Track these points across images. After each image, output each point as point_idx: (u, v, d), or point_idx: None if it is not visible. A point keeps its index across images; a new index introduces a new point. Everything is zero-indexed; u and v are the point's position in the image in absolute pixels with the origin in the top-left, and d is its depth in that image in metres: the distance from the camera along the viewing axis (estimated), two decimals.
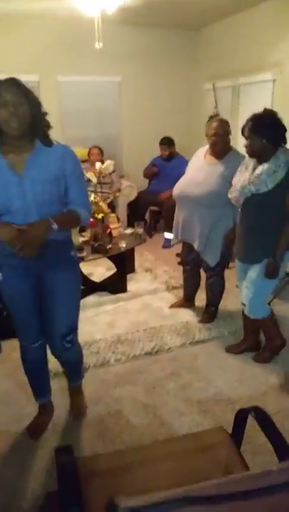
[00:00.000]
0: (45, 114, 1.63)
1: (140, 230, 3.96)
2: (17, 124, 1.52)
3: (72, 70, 5.12)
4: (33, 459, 1.90)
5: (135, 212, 5.17)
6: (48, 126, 1.65)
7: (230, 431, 1.44)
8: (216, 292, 3.05)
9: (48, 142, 1.65)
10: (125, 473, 1.28)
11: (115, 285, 3.66)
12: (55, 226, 1.60)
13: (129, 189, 5.25)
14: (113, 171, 4.57)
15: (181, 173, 3.02)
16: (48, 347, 1.97)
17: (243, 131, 2.22)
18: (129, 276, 3.83)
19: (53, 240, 1.65)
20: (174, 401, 2.28)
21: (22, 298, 1.79)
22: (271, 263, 2.26)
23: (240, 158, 2.60)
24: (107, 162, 3.54)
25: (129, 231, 3.94)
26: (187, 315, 3.22)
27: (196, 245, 2.86)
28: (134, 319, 3.17)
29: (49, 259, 1.70)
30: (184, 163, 3.37)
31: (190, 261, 3.09)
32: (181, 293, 3.60)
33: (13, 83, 1.54)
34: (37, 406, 2.11)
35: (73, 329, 1.90)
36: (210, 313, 3.13)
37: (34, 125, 1.58)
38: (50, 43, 4.92)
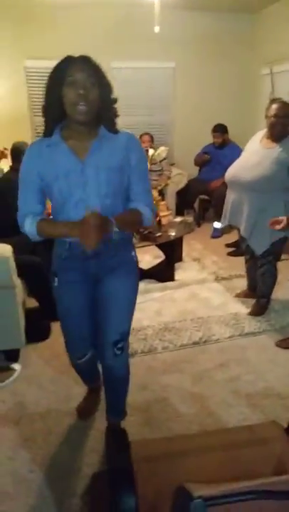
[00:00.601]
0: (115, 100, 1.48)
1: (190, 219, 3.90)
2: (85, 108, 1.37)
3: (127, 56, 5.08)
4: (82, 439, 1.93)
5: (184, 200, 5.10)
6: (115, 114, 1.50)
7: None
8: (267, 282, 2.93)
9: (114, 129, 1.50)
10: (176, 460, 1.26)
11: (163, 273, 3.64)
12: (115, 228, 1.42)
13: (179, 177, 5.18)
14: (164, 159, 4.52)
15: (233, 161, 2.93)
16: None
17: None
18: (176, 265, 3.79)
19: (114, 240, 1.48)
20: (222, 392, 2.24)
21: (77, 305, 1.65)
22: None
23: None
24: (161, 148, 3.49)
25: (178, 219, 3.89)
26: (237, 306, 3.15)
27: (242, 230, 2.80)
28: (182, 308, 3.14)
29: (109, 260, 1.56)
30: (236, 151, 3.27)
31: (246, 248, 3.00)
32: (230, 284, 3.53)
33: (87, 62, 1.38)
34: (85, 387, 2.14)
35: (126, 336, 1.69)
36: (261, 306, 3.02)
37: (102, 111, 1.44)
38: (106, 29, 4.92)
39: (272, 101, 2.72)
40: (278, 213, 2.61)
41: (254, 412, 2.09)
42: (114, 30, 4.93)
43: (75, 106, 1.36)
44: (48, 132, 1.46)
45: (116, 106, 1.49)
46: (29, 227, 1.51)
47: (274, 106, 2.62)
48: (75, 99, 1.35)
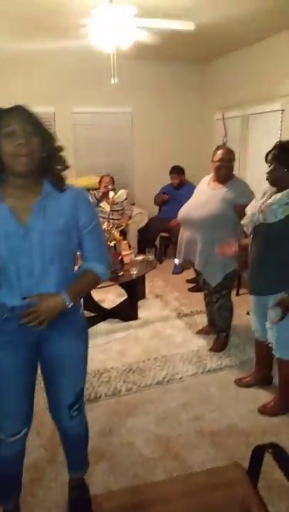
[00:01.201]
0: (60, 149, 1.36)
1: (151, 257, 3.99)
2: (26, 159, 1.25)
3: (87, 102, 5.29)
4: (46, 492, 1.87)
5: (145, 238, 5.22)
6: (63, 164, 1.37)
7: (244, 464, 1.42)
8: (224, 316, 3.05)
9: (60, 186, 1.37)
10: None
11: (126, 312, 3.67)
12: (69, 303, 1.37)
13: (140, 216, 5.32)
14: (125, 199, 4.64)
15: None
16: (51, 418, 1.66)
17: (266, 158, 2.20)
18: (139, 302, 3.83)
19: None
20: (187, 433, 2.25)
21: (14, 373, 1.44)
22: (286, 298, 2.11)
23: (241, 183, 2.87)
24: (121, 191, 3.61)
25: (140, 257, 3.97)
26: (198, 343, 3.21)
27: (196, 263, 2.93)
28: (145, 347, 3.16)
29: (55, 320, 1.40)
30: (193, 192, 3.44)
31: (203, 283, 3.10)
32: (192, 320, 3.60)
33: (23, 111, 1.28)
34: None
35: (81, 396, 1.60)
36: (221, 341, 3.11)
37: (45, 162, 1.32)
38: (66, 77, 5.12)
39: (218, 147, 2.95)
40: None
41: (218, 451, 2.11)
42: (75, 78, 5.15)
43: (15, 157, 1.25)
44: None
45: (63, 155, 1.37)
46: None
47: (219, 151, 2.87)
48: (15, 149, 1.24)
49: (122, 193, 3.57)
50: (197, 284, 4.16)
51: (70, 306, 1.38)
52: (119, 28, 3.04)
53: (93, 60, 4.33)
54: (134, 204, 5.49)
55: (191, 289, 4.36)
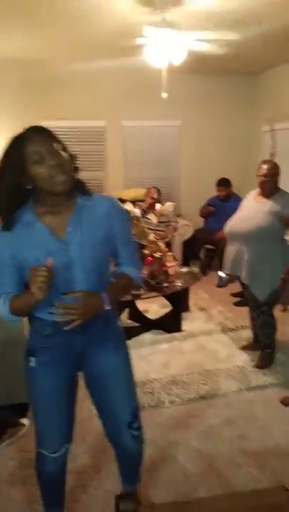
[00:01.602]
0: (75, 157, 1.34)
1: (196, 269, 3.99)
2: (64, 177, 1.25)
3: (136, 115, 5.41)
4: (90, 500, 1.91)
5: (190, 250, 5.21)
6: (76, 169, 1.35)
7: None
8: (267, 332, 2.99)
9: (87, 192, 1.38)
10: None
11: (170, 324, 3.68)
12: (107, 305, 1.36)
13: (186, 228, 5.33)
14: (172, 211, 4.69)
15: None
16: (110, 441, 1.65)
17: None
18: (183, 315, 3.83)
19: (101, 313, 1.39)
20: (230, 451, 2.21)
21: (56, 392, 1.44)
22: None
23: (287, 195, 2.85)
24: (167, 204, 3.65)
25: (184, 269, 3.98)
26: (243, 358, 3.15)
27: (243, 277, 2.90)
28: (189, 360, 3.15)
29: (97, 333, 1.43)
30: (239, 204, 3.42)
31: (250, 297, 3.06)
32: (236, 335, 3.55)
33: (40, 131, 1.27)
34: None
35: (138, 413, 1.56)
36: (265, 357, 3.03)
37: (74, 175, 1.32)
38: (116, 92, 5.27)
39: (264, 161, 2.93)
40: (276, 260, 2.80)
41: (263, 472, 2.06)
42: (125, 93, 5.29)
43: (51, 179, 1.24)
44: (6, 224, 1.31)
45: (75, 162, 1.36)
46: (1, 306, 1.35)
47: (264, 166, 2.86)
48: (50, 172, 1.23)
49: (168, 205, 3.61)
50: (243, 298, 4.10)
51: (106, 308, 1.36)
52: (172, 44, 3.11)
53: (143, 75, 4.44)
54: (179, 216, 5.50)
55: (236, 303, 4.29)
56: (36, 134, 1.25)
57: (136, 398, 1.57)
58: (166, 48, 3.19)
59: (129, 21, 3.32)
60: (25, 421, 2.35)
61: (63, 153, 1.27)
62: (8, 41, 3.88)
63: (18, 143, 1.25)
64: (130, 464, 1.73)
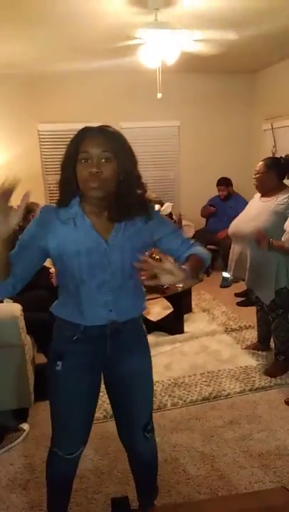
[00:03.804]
0: (139, 176, 1.33)
1: None
2: (97, 187, 1.23)
3: (134, 117, 5.41)
4: (90, 505, 1.89)
5: None
6: (142, 188, 1.34)
7: None
8: (281, 337, 2.83)
9: (145, 211, 1.34)
10: None
11: (172, 325, 3.65)
12: (187, 277, 1.23)
13: (187, 228, 5.30)
14: (170, 213, 4.67)
15: (238, 212, 3.06)
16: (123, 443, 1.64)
17: None
18: (186, 316, 3.80)
19: (132, 319, 1.42)
20: (233, 452, 2.18)
21: (81, 393, 1.44)
22: None
23: None
24: (166, 204, 3.64)
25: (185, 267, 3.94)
26: (247, 359, 3.12)
27: (246, 282, 2.83)
28: (192, 362, 3.12)
29: (126, 341, 1.43)
30: (241, 202, 3.40)
31: (256, 299, 3.00)
32: (240, 336, 3.52)
33: (104, 133, 1.25)
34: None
35: (152, 416, 1.59)
36: (278, 365, 2.89)
37: (121, 187, 1.27)
38: (113, 93, 5.27)
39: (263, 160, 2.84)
40: (281, 262, 2.66)
41: (266, 473, 2.02)
42: (122, 94, 5.28)
43: (86, 183, 1.23)
44: (63, 202, 1.32)
45: (140, 178, 1.33)
46: None
47: (258, 164, 2.79)
48: (87, 177, 1.22)
49: (167, 206, 3.59)
50: (247, 299, 4.06)
51: (185, 281, 1.27)
52: (164, 44, 3.10)
53: (140, 75, 4.43)
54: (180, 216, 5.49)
55: (239, 303, 4.26)
56: (96, 135, 1.24)
57: (152, 402, 1.59)
58: (159, 49, 3.17)
59: (122, 22, 3.32)
60: (25, 426, 2.33)
61: (111, 164, 1.23)
62: (3, 44, 3.89)
63: (78, 136, 1.26)
64: (147, 474, 1.71)
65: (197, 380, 2.86)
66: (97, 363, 1.45)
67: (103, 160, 1.22)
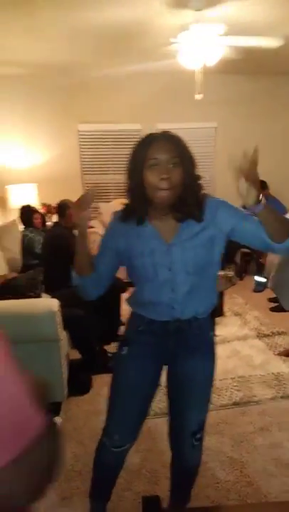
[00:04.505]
0: (198, 177, 1.35)
1: (231, 273, 3.92)
2: (167, 193, 1.26)
3: (171, 118, 5.42)
4: (119, 501, 1.92)
5: (226, 253, 5.12)
6: (200, 189, 1.36)
7: None
8: None
9: (199, 215, 1.33)
10: None
11: None
12: (259, 208, 1.23)
13: None
14: None
15: None
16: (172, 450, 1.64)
17: None
18: (217, 319, 3.78)
19: (197, 319, 1.41)
20: (263, 459, 2.16)
21: (140, 380, 1.47)
22: None
23: None
24: None
25: (220, 273, 3.92)
26: (279, 365, 3.07)
27: (269, 283, 2.76)
28: (223, 366, 3.10)
29: (190, 339, 1.42)
30: (277, 205, 3.34)
31: None
32: (272, 342, 3.46)
33: (169, 140, 1.28)
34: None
35: (204, 425, 1.57)
36: None
37: (186, 190, 1.30)
38: (151, 95, 5.31)
39: None
40: None
41: None
42: (159, 95, 5.32)
43: (156, 190, 1.26)
44: (132, 208, 1.36)
45: (200, 181, 1.36)
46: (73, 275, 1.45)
47: None
48: (157, 183, 1.25)
49: None
50: (280, 304, 3.99)
51: (259, 210, 1.24)
52: (206, 46, 3.09)
53: (179, 76, 4.44)
54: None
55: (273, 309, 4.18)
56: (163, 141, 1.27)
57: (207, 410, 1.57)
58: (200, 50, 3.17)
59: (164, 25, 3.34)
60: (57, 420, 2.39)
61: (179, 170, 1.26)
62: (46, 47, 4.00)
63: (144, 143, 1.29)
64: (185, 481, 1.71)
65: (228, 384, 2.84)
66: (159, 356, 1.48)
67: (171, 165, 1.25)
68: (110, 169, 5.54)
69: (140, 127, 5.33)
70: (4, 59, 4.43)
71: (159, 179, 1.24)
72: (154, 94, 5.31)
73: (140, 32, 3.50)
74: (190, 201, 1.32)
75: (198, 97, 3.58)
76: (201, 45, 3.08)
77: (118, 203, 5.07)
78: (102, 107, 5.23)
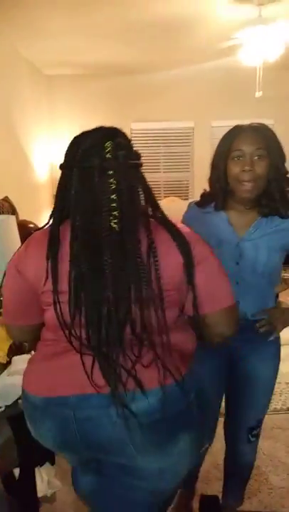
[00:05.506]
0: (287, 172, 1.29)
1: (287, 275, 3.80)
2: (250, 185, 1.22)
3: (226, 115, 5.32)
4: None
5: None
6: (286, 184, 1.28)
7: None
8: None
9: (284, 211, 1.27)
10: None
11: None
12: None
13: None
14: None
15: None
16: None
17: None
18: None
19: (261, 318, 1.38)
20: None
21: (208, 374, 1.33)
22: None
23: None
24: None
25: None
26: None
27: None
28: None
29: (252, 337, 1.36)
30: None
31: None
32: None
33: (257, 132, 1.24)
34: None
35: (261, 423, 1.55)
36: None
37: (271, 184, 1.25)
38: (206, 92, 5.25)
39: None
40: None
41: None
42: (216, 93, 5.24)
43: (239, 183, 1.24)
44: (213, 198, 1.34)
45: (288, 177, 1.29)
46: None
47: None
48: (240, 175, 1.22)
49: None
50: None
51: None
52: (268, 41, 3.01)
53: (235, 74, 4.36)
54: None
55: None
56: (250, 133, 1.24)
57: (267, 410, 1.55)
58: (261, 45, 3.09)
59: (225, 22, 3.28)
60: None
61: (264, 162, 1.22)
62: (103, 47, 4.07)
63: (231, 134, 1.28)
64: (239, 477, 1.69)
65: (282, 388, 2.76)
66: (223, 349, 1.41)
67: (256, 157, 1.22)
68: (161, 167, 5.54)
69: (193, 125, 5.29)
70: (63, 60, 4.57)
71: (241, 171, 1.21)
72: (210, 91, 5.24)
73: (198, 28, 3.46)
74: (276, 197, 1.26)
75: (258, 94, 3.48)
76: (263, 41, 3.00)
77: (169, 201, 5.09)
78: (155, 105, 5.23)
